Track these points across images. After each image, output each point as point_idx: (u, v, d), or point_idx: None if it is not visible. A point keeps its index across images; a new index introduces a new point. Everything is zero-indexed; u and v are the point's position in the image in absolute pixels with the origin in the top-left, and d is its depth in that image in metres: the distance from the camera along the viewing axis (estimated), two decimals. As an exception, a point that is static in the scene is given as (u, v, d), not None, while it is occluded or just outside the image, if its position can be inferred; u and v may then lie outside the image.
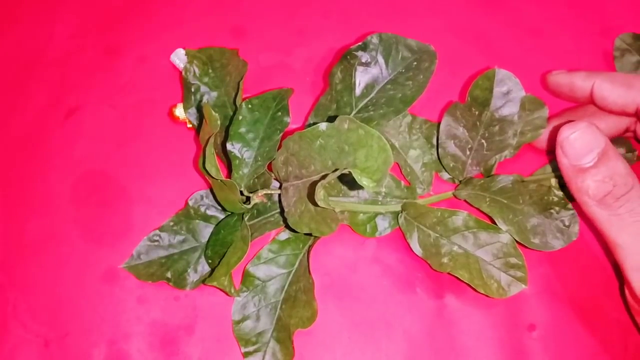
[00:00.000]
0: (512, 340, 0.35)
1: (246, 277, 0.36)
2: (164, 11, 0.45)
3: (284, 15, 0.44)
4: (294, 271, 0.36)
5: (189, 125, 0.40)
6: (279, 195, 0.36)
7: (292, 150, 0.32)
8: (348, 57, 0.37)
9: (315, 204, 0.30)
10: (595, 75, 0.35)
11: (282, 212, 0.36)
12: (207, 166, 0.32)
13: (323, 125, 0.30)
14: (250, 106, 0.36)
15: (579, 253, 0.37)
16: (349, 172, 0.29)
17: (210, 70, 0.38)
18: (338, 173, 0.29)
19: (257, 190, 0.36)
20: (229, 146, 0.36)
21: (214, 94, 0.38)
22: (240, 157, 0.36)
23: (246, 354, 0.35)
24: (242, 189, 0.36)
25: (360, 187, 0.29)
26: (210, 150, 0.32)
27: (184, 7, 0.45)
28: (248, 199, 0.36)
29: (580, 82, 0.36)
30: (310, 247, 0.36)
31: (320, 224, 0.32)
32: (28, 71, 0.43)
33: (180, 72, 0.40)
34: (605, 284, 0.36)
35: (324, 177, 0.30)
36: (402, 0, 0.45)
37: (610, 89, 0.34)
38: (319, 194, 0.29)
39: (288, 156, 0.33)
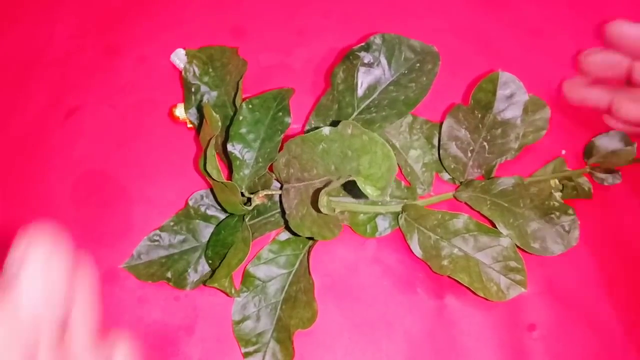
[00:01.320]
0: (512, 341, 0.35)
1: (246, 277, 0.36)
2: (164, 11, 0.44)
3: (284, 16, 0.44)
4: (294, 271, 0.36)
5: (189, 125, 0.40)
6: (280, 195, 0.36)
7: (294, 152, 0.32)
8: (350, 57, 0.37)
9: (318, 210, 0.30)
10: (612, 92, 0.35)
11: (283, 213, 0.36)
12: (208, 168, 0.32)
13: (326, 130, 0.30)
14: (250, 106, 0.36)
15: (579, 254, 0.37)
16: (353, 179, 0.29)
17: (210, 70, 0.38)
18: (342, 181, 0.29)
19: (258, 191, 0.36)
20: (229, 147, 0.36)
21: (214, 93, 0.38)
22: (241, 158, 0.36)
23: (246, 355, 0.35)
24: (242, 190, 0.36)
25: (364, 196, 0.29)
26: (212, 152, 0.32)
27: (184, 8, 0.44)
28: (249, 200, 0.36)
29: (596, 98, 0.36)
30: (311, 247, 0.36)
31: (322, 228, 0.32)
32: (28, 71, 0.43)
33: (180, 72, 0.40)
34: (605, 284, 0.36)
35: (327, 184, 0.30)
36: (402, 0, 0.45)
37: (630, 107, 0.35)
38: (322, 201, 0.29)
39: (290, 158, 0.33)
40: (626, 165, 0.38)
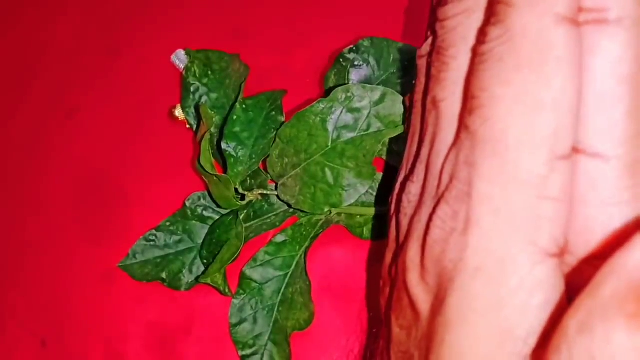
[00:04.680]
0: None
1: (243, 279, 0.36)
2: (165, 12, 0.44)
3: (285, 17, 0.44)
4: (290, 273, 0.36)
5: (188, 126, 0.40)
6: (277, 196, 0.36)
7: (288, 138, 0.33)
8: (341, 60, 0.37)
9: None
10: None
11: (289, 206, 0.36)
12: (202, 161, 0.32)
13: (319, 103, 0.31)
14: (244, 106, 0.36)
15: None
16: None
17: (209, 72, 0.38)
18: None
19: (253, 189, 0.36)
20: (223, 145, 0.36)
21: (214, 95, 0.38)
22: (235, 155, 0.36)
23: (244, 357, 0.35)
24: (237, 187, 0.36)
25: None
26: (206, 147, 0.32)
27: (185, 8, 0.45)
28: (243, 196, 0.36)
29: None
30: (307, 248, 0.36)
31: (339, 194, 0.33)
32: (28, 71, 0.43)
33: (181, 73, 0.40)
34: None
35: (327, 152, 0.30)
36: (403, 1, 0.44)
37: None
38: None
39: (283, 147, 0.33)
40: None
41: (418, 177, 0.21)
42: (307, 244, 0.36)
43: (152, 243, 0.36)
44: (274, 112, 0.36)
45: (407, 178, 0.22)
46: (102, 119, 0.41)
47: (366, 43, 0.37)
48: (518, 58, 0.16)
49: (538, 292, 0.16)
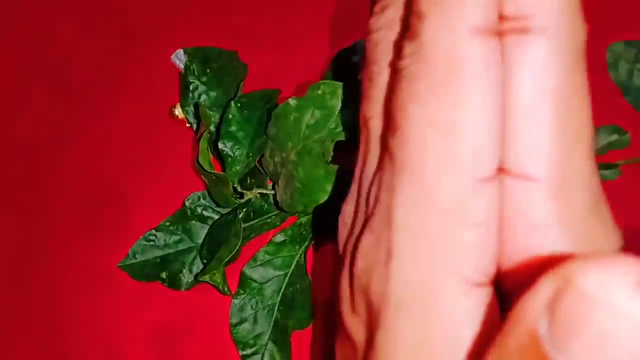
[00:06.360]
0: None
1: (243, 279, 0.36)
2: (165, 12, 0.45)
3: (285, 17, 0.44)
4: (290, 272, 0.36)
5: (188, 125, 0.40)
6: (274, 195, 0.36)
7: (271, 136, 0.32)
8: (340, 60, 0.37)
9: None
10: None
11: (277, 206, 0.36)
12: (201, 160, 0.32)
13: (292, 100, 0.31)
14: (239, 105, 0.36)
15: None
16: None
17: (208, 70, 0.39)
18: None
19: (252, 188, 0.36)
20: (220, 145, 0.36)
21: (213, 93, 0.38)
22: (232, 155, 0.36)
23: (244, 357, 0.35)
24: (235, 185, 0.36)
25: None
26: (204, 145, 0.32)
27: (185, 8, 0.45)
28: (242, 195, 0.36)
29: None
30: (307, 248, 0.36)
31: (310, 193, 0.32)
32: (28, 71, 0.43)
33: (180, 72, 0.40)
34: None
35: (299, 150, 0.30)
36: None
37: None
38: None
39: (271, 146, 0.33)
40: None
41: (352, 198, 0.19)
42: (307, 243, 0.36)
43: (151, 243, 0.36)
44: (269, 111, 0.36)
45: (344, 199, 0.20)
46: (102, 119, 0.41)
47: (363, 44, 0.37)
48: (431, 77, 0.15)
49: (466, 325, 0.15)
